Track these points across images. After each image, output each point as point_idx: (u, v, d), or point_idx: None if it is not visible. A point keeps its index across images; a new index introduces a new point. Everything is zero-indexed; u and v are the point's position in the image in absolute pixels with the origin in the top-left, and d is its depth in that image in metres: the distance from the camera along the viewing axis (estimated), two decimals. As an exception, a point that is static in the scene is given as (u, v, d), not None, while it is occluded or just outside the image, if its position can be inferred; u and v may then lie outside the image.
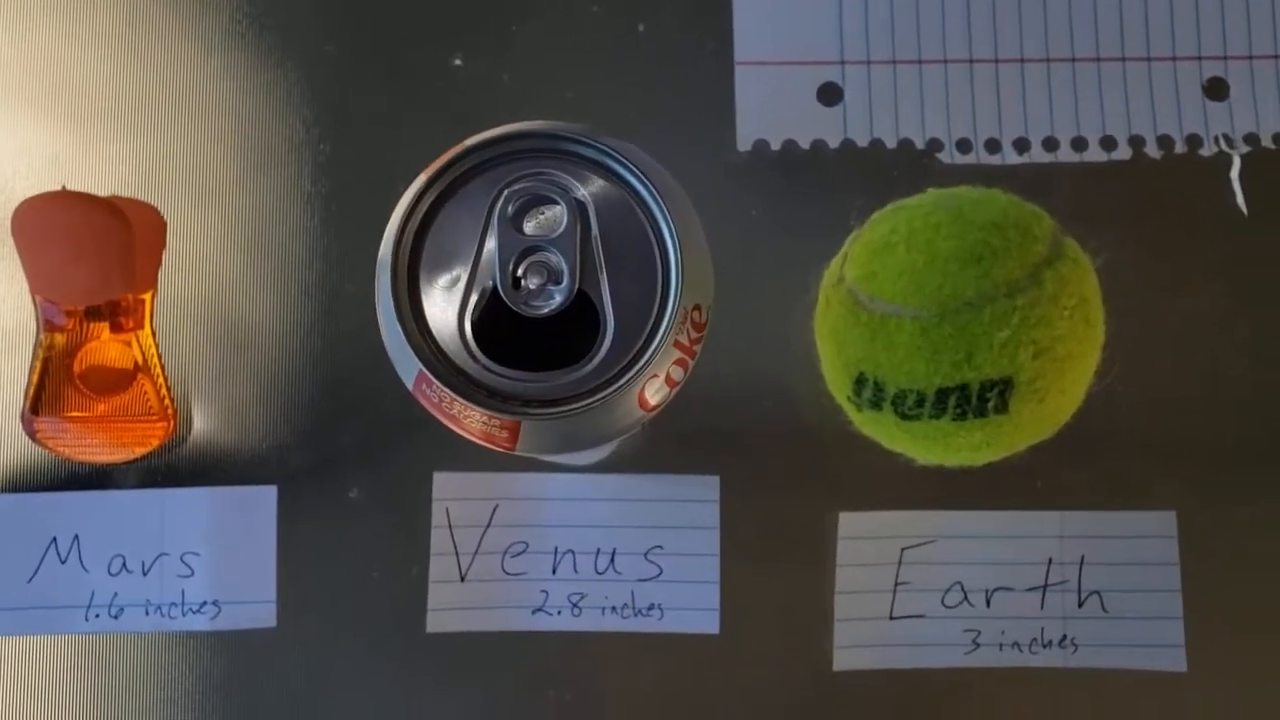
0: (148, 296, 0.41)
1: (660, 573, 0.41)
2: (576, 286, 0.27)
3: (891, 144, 0.42)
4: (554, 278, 0.27)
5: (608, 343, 0.27)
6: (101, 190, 0.41)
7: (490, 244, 0.27)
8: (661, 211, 0.27)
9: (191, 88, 0.43)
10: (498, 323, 0.27)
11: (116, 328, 0.40)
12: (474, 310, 0.27)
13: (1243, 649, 0.40)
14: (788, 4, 0.43)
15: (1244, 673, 0.40)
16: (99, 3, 0.43)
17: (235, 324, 0.42)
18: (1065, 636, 0.40)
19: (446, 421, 0.28)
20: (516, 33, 0.43)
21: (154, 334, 0.41)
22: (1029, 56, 0.42)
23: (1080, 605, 0.40)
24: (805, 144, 0.42)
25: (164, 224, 0.42)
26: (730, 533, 0.41)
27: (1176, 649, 0.40)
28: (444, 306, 0.27)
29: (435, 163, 0.27)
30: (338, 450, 0.41)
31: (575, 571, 0.41)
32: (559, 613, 0.40)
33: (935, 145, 0.42)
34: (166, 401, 0.41)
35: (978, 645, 0.40)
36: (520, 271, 0.27)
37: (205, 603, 0.41)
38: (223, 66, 0.43)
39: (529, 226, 0.27)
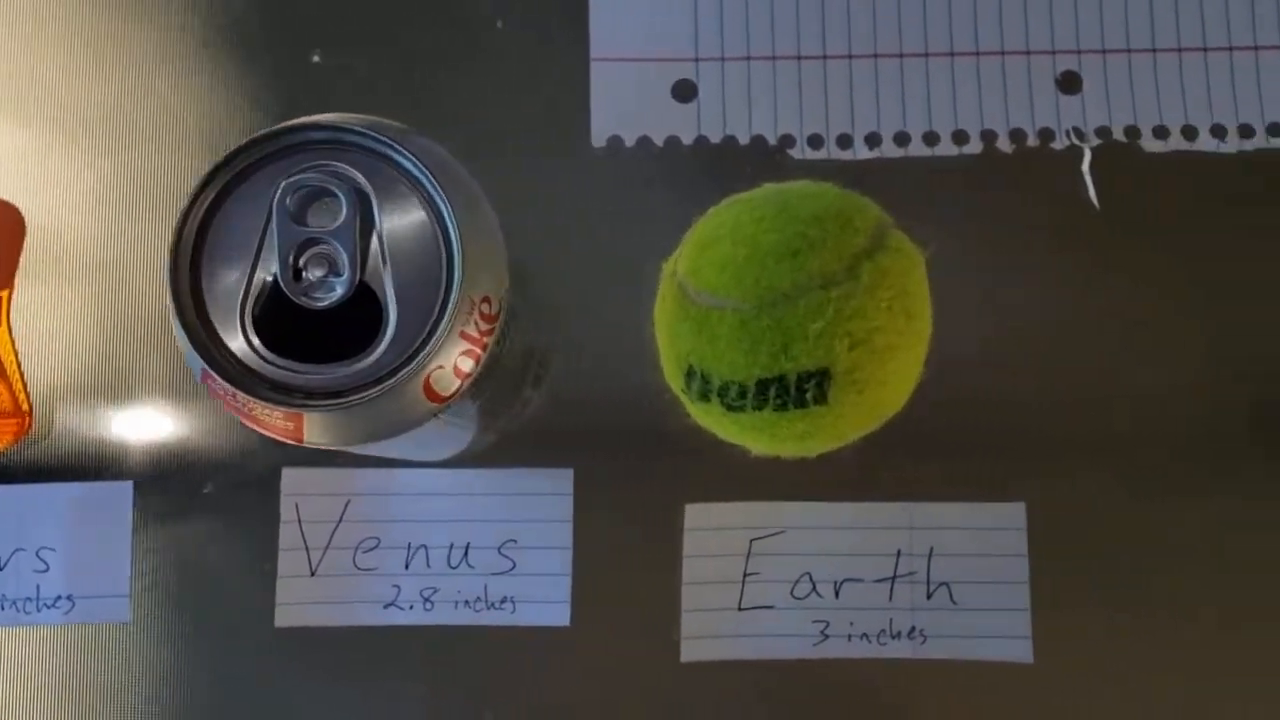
0: (4, 294, 0.41)
1: (513, 566, 0.41)
2: (358, 278, 0.27)
3: (745, 140, 0.42)
4: (335, 269, 0.27)
5: (389, 334, 0.27)
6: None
7: (270, 237, 0.27)
8: (444, 204, 0.28)
9: (52, 85, 0.43)
10: (283, 316, 0.28)
11: (-32, 324, 0.40)
12: (255, 303, 0.27)
13: (1088, 640, 0.40)
14: (643, 2, 0.43)
15: (1089, 664, 0.40)
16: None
17: (93, 323, 0.42)
18: (914, 628, 0.40)
19: (236, 414, 0.28)
20: (374, 29, 0.43)
21: (11, 332, 0.41)
22: (883, 52, 0.43)
23: (929, 597, 0.41)
24: (660, 140, 0.42)
25: (22, 223, 0.42)
26: (584, 526, 0.41)
27: (1024, 640, 0.40)
28: (227, 302, 0.27)
29: (216, 160, 0.27)
30: (193, 447, 0.41)
31: (428, 566, 0.41)
32: (411, 607, 0.41)
33: (787, 141, 0.42)
34: (22, 399, 0.41)
35: (826, 636, 0.40)
36: (302, 263, 0.27)
37: (60, 597, 0.41)
38: (88, 65, 0.43)
39: (313, 219, 0.28)
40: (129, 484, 0.41)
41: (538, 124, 0.43)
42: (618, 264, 0.41)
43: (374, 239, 0.27)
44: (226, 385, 0.27)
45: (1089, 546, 0.41)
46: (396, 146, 0.28)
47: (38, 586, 0.41)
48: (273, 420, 0.27)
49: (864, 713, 0.40)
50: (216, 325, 0.27)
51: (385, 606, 0.40)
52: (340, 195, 0.27)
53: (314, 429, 0.27)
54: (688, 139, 0.42)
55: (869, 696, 0.40)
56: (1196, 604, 0.40)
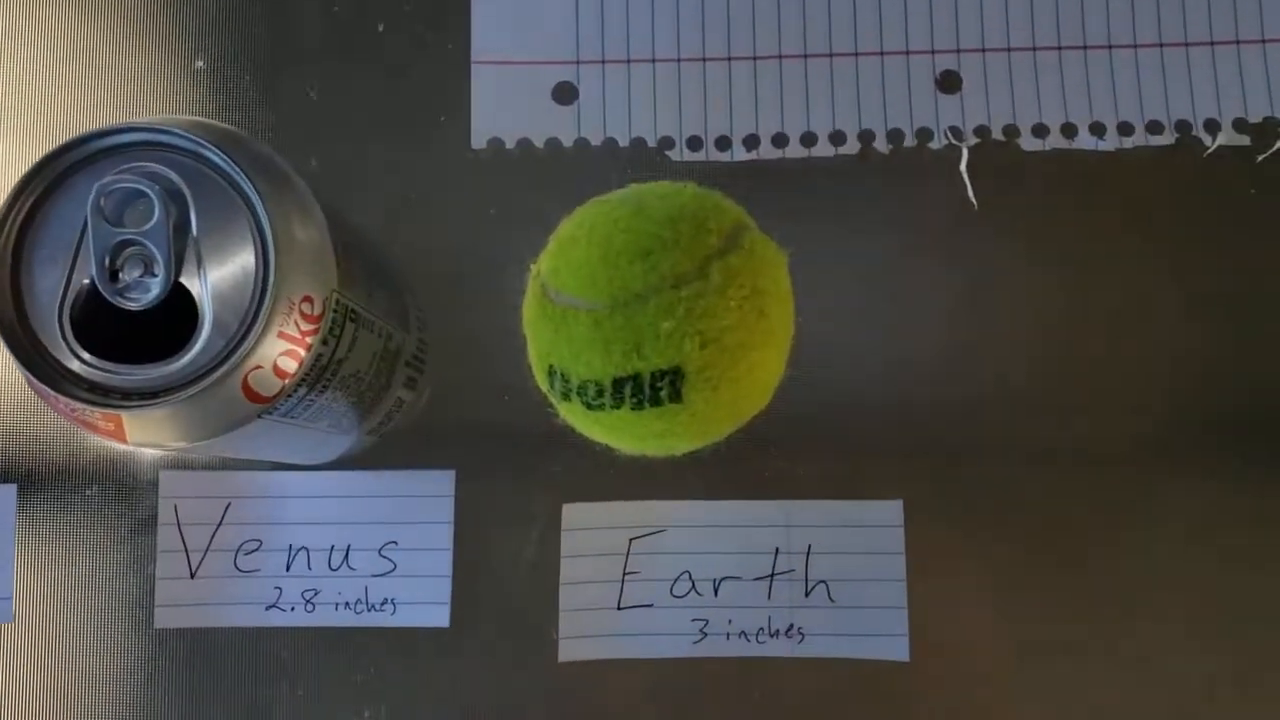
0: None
1: (394, 568, 0.41)
2: (173, 278, 0.27)
3: (625, 142, 0.42)
4: (151, 270, 0.28)
5: (205, 334, 0.28)
6: None
7: (87, 239, 0.27)
8: (260, 203, 0.28)
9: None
10: (101, 317, 0.28)
11: None
12: (74, 305, 0.28)
13: (964, 638, 0.40)
14: (524, 4, 0.43)
15: (965, 661, 0.40)
16: None
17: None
18: (792, 626, 0.41)
19: (64, 416, 0.28)
20: (258, 35, 0.43)
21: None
22: (761, 54, 0.43)
23: (807, 595, 0.41)
24: (540, 142, 0.42)
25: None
26: (464, 527, 0.41)
27: (900, 638, 0.40)
28: (46, 302, 0.28)
29: (33, 163, 0.28)
30: (76, 450, 0.42)
31: (309, 568, 0.41)
32: (292, 609, 0.41)
33: (667, 143, 0.42)
34: (-92, 403, 0.41)
35: (705, 634, 0.41)
36: (119, 265, 0.28)
37: (-57, 601, 0.41)
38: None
39: (129, 221, 0.28)
40: (12, 486, 0.41)
41: (420, 127, 0.43)
42: (496, 265, 0.41)
43: (189, 240, 0.28)
44: (43, 386, 0.27)
45: (966, 545, 0.41)
46: (211, 147, 0.28)
47: (-77, 590, 0.41)
48: (94, 421, 0.28)
49: (743, 711, 0.41)
50: (35, 329, 0.28)
51: (267, 608, 0.41)
52: (152, 195, 0.27)
53: (134, 429, 0.28)
54: (568, 141, 0.42)
55: (748, 694, 0.41)
56: (1072, 600, 0.40)
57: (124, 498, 0.41)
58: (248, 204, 0.28)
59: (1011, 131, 0.42)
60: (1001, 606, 0.40)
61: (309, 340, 0.29)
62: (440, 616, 0.41)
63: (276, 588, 0.41)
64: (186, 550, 0.41)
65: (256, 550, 0.41)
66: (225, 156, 0.28)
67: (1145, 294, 0.42)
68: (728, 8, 0.43)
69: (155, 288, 0.27)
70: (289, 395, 0.29)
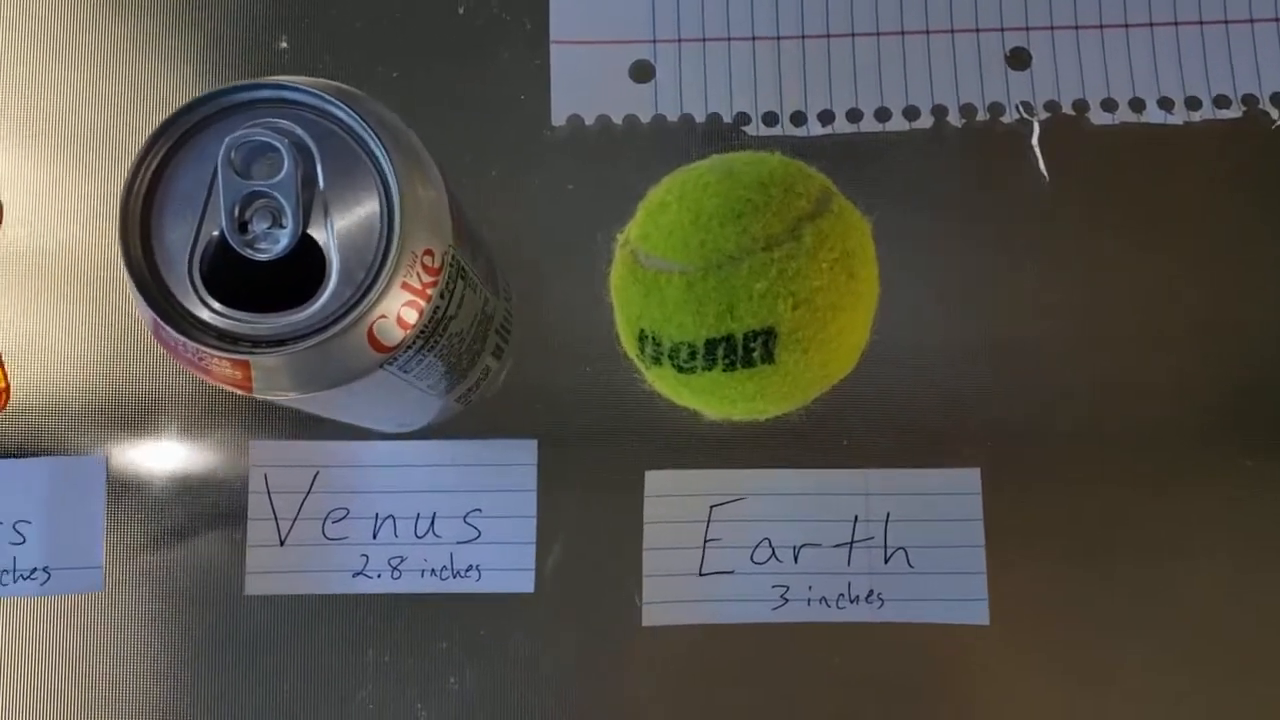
0: (-18, 275, 0.42)
1: (479, 535, 0.42)
2: (301, 229, 0.28)
3: (701, 118, 0.43)
4: (279, 222, 0.28)
5: (332, 283, 0.28)
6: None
7: (216, 191, 0.28)
8: (385, 157, 0.29)
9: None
10: (229, 267, 0.29)
11: (-54, 304, 0.42)
12: (204, 256, 0.28)
13: (1043, 602, 0.41)
14: (602, -15, 0.44)
15: (1044, 625, 0.41)
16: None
17: (68, 300, 0.43)
18: (871, 592, 0.41)
19: (186, 366, 0.29)
20: (339, 15, 0.44)
21: (-12, 311, 0.42)
22: (834, 32, 0.44)
23: (886, 561, 0.41)
24: (618, 119, 0.43)
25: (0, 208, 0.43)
26: (547, 494, 0.42)
27: (980, 603, 0.41)
28: (177, 253, 0.29)
29: (165, 118, 0.29)
30: (165, 420, 0.42)
31: (395, 536, 0.42)
32: (379, 576, 0.41)
33: (742, 119, 0.43)
34: (1, 376, 0.42)
35: (786, 600, 0.41)
36: (248, 217, 0.28)
37: (36, 569, 0.42)
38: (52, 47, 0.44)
39: (257, 174, 0.29)
40: (103, 457, 0.42)
41: (501, 105, 0.44)
42: (577, 237, 0.42)
43: (316, 192, 0.28)
44: (176, 336, 0.28)
45: (1043, 510, 0.41)
46: (338, 103, 0.29)
47: (14, 559, 0.42)
48: (221, 369, 0.28)
49: (823, 675, 0.41)
50: (166, 279, 0.28)
51: (354, 575, 0.41)
52: (282, 149, 0.28)
53: (261, 376, 0.28)
54: (645, 117, 0.43)
55: (828, 659, 0.41)
56: (1151, 566, 0.41)
57: (211, 468, 0.42)
58: (372, 159, 0.29)
59: (1081, 106, 0.43)
60: (1079, 571, 0.41)
61: (429, 292, 0.29)
62: (525, 582, 0.41)
63: (363, 555, 0.42)
64: (276, 518, 0.41)
65: (344, 518, 0.42)
66: (352, 112, 0.29)
67: (1214, 266, 0.42)
68: (801, -13, 0.44)
69: (284, 239, 0.28)
70: (408, 347, 0.30)
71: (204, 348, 0.28)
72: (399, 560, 0.42)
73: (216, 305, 0.28)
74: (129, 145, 0.44)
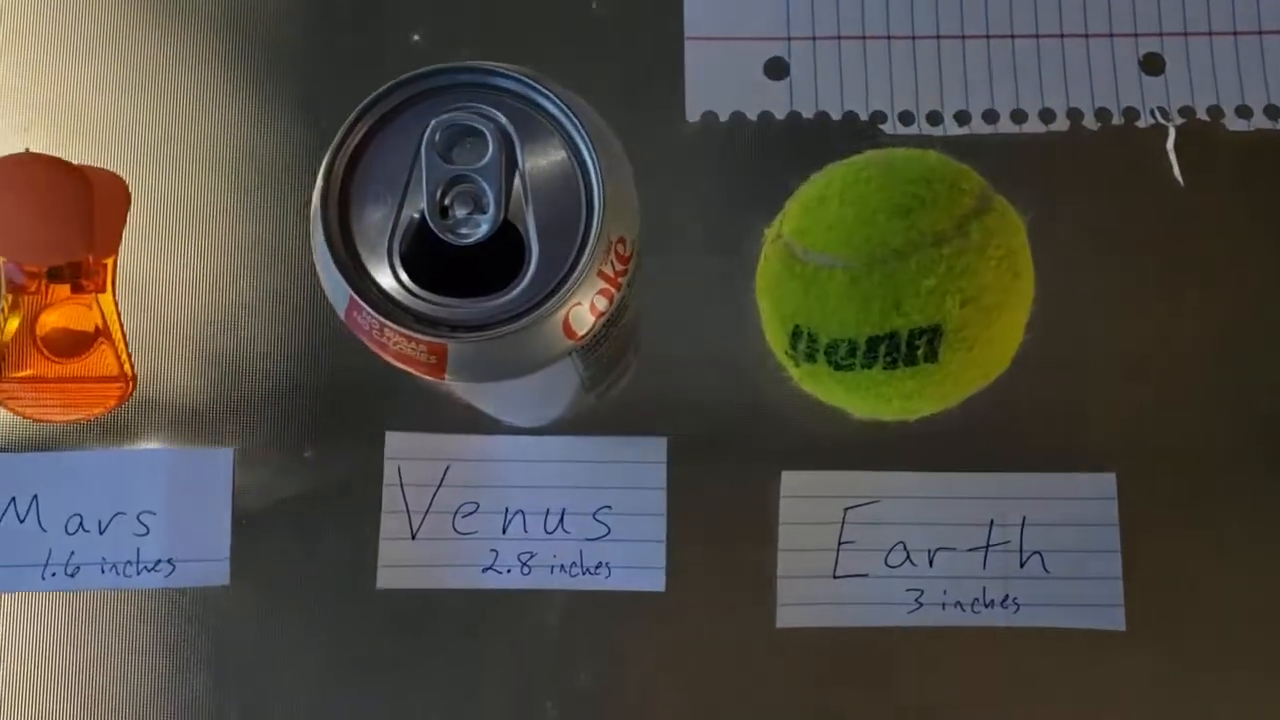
0: (110, 261, 0.42)
1: (608, 532, 0.41)
2: (503, 216, 0.28)
3: (836, 116, 0.43)
4: (480, 207, 0.28)
5: (532, 270, 0.28)
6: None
7: (418, 174, 0.28)
8: (586, 145, 0.28)
9: (171, 81, 0.44)
10: (427, 251, 0.28)
11: (78, 289, 0.41)
12: (403, 238, 0.28)
13: (1180, 608, 0.41)
14: (736, -18, 0.44)
15: (1181, 631, 0.41)
16: (94, 15, 0.45)
17: (196, 291, 0.43)
18: (1007, 596, 0.41)
19: (378, 350, 0.29)
20: (474, 11, 0.44)
21: (115, 297, 0.42)
22: (970, 33, 0.44)
23: (1022, 565, 0.41)
24: (753, 116, 0.43)
25: (127, 192, 0.43)
26: (677, 493, 0.41)
27: (1116, 608, 0.40)
28: (375, 235, 0.28)
29: (367, 98, 0.28)
30: (293, 412, 0.42)
31: (525, 531, 0.41)
32: (508, 571, 0.41)
33: (879, 117, 0.43)
34: (126, 364, 0.42)
35: (920, 604, 0.41)
36: (448, 201, 0.28)
37: (160, 561, 0.41)
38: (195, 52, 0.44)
39: (458, 158, 0.28)
40: (229, 449, 0.42)
41: (634, 101, 0.44)
42: (711, 235, 0.42)
43: (517, 178, 0.28)
44: (375, 317, 0.28)
45: (1181, 514, 0.41)
46: (541, 89, 0.28)
47: (138, 550, 0.41)
48: (416, 353, 0.28)
49: (958, 680, 0.41)
50: (364, 259, 0.28)
51: (484, 570, 0.41)
52: (487, 134, 0.28)
53: (456, 361, 0.28)
54: (781, 115, 0.43)
55: (962, 663, 0.41)
56: (1289, 573, 0.41)
57: (339, 461, 0.42)
58: (572, 146, 0.29)
59: (1216, 112, 0.43)
60: (1217, 579, 0.41)
61: (620, 280, 0.29)
62: (656, 581, 0.41)
63: (493, 550, 0.41)
64: (408, 511, 0.41)
65: (474, 513, 0.41)
66: (555, 99, 0.28)
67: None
68: (935, -12, 0.44)
69: (485, 224, 0.28)
70: (593, 335, 0.30)
71: (402, 329, 0.28)
72: (529, 555, 0.41)
73: (416, 288, 0.28)
74: (273, 137, 0.43)
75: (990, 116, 0.43)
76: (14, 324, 0.41)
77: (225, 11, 0.44)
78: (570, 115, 0.28)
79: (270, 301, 0.42)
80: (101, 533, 0.42)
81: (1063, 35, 0.44)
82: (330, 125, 0.44)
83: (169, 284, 0.43)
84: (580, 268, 0.28)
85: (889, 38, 0.43)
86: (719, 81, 0.43)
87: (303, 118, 0.44)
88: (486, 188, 0.28)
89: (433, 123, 0.28)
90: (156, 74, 0.44)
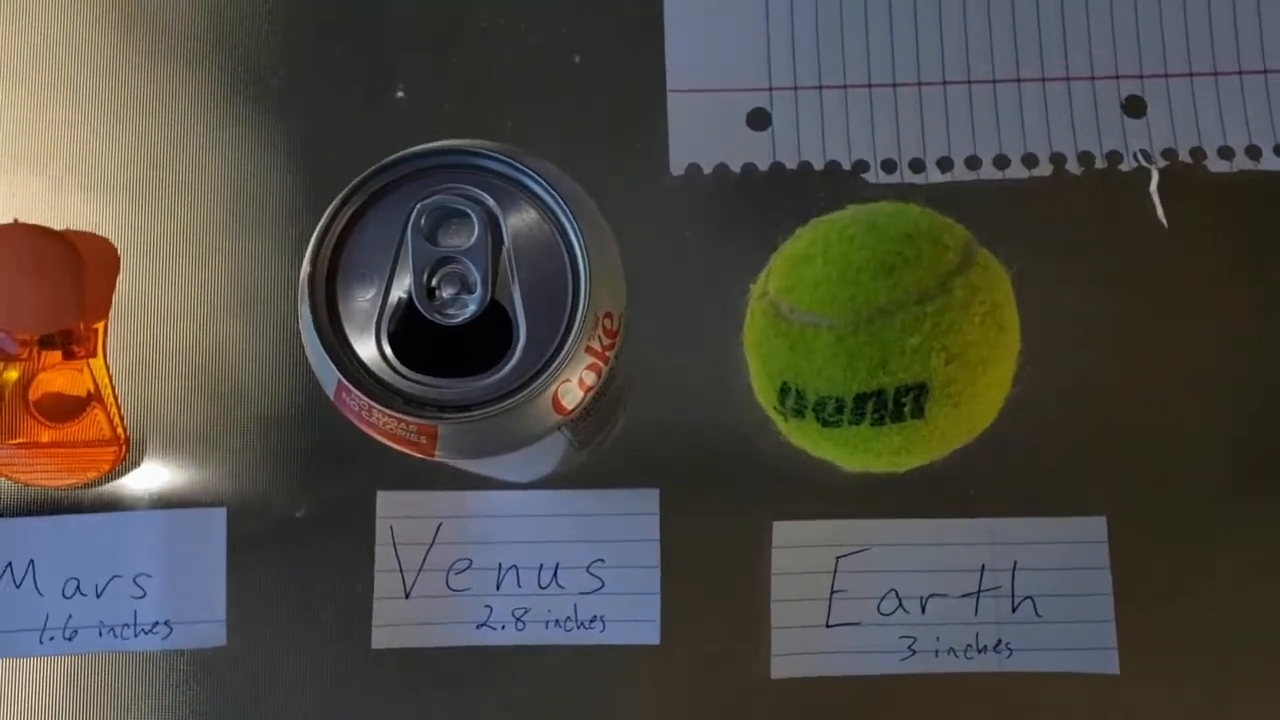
0: (100, 326, 0.42)
1: (602, 585, 0.42)
2: (490, 295, 0.28)
3: (819, 165, 0.43)
4: (467, 287, 0.28)
5: (520, 348, 0.28)
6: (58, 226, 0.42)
7: (405, 256, 0.28)
8: (570, 223, 0.29)
9: (153, 137, 0.44)
10: (415, 332, 0.29)
11: (69, 355, 0.41)
12: (390, 320, 0.28)
13: (1173, 650, 0.41)
14: (717, 35, 0.44)
15: (1175, 673, 0.41)
16: (85, 62, 0.45)
17: (187, 353, 0.43)
18: (1000, 641, 0.41)
19: (367, 430, 0.29)
20: (457, 64, 0.44)
21: (106, 362, 0.42)
22: (951, 79, 0.44)
23: (1014, 610, 0.41)
24: (736, 167, 0.43)
25: (116, 257, 0.43)
26: (670, 545, 0.41)
27: (1109, 651, 0.41)
28: (362, 318, 0.28)
29: (352, 181, 0.28)
30: (285, 472, 0.42)
31: (519, 586, 0.41)
32: (503, 627, 0.41)
33: (861, 166, 0.43)
34: (119, 427, 0.42)
35: (914, 651, 0.41)
36: (435, 282, 0.28)
37: (157, 623, 0.41)
38: (182, 109, 0.44)
39: (444, 239, 0.29)
40: (222, 510, 0.42)
41: (618, 154, 0.44)
42: (698, 287, 0.42)
43: (503, 257, 0.28)
44: (363, 398, 0.28)
45: (1172, 557, 0.41)
46: (523, 169, 0.29)
47: (135, 612, 0.41)
48: (405, 434, 0.28)
49: (953, 726, 0.41)
50: (352, 341, 0.28)
51: (478, 627, 0.41)
52: (472, 215, 0.28)
53: (446, 441, 0.28)
54: (764, 165, 0.43)
55: (957, 710, 0.41)
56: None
57: (333, 520, 0.42)
58: (556, 224, 0.29)
59: (1198, 154, 0.43)
60: (1209, 622, 0.41)
61: (608, 354, 0.29)
62: (650, 634, 0.41)
63: (487, 606, 0.41)
64: (401, 570, 0.41)
65: (467, 569, 0.41)
66: (538, 178, 0.29)
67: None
68: (916, 35, 0.44)
69: (472, 304, 0.28)
70: (583, 408, 0.30)
71: (391, 412, 0.28)
72: (523, 611, 0.41)
73: (404, 369, 0.28)
74: (261, 192, 0.44)
75: (973, 163, 0.43)
76: (7, 391, 0.41)
77: (213, 61, 0.44)
78: (554, 194, 0.29)
79: (262, 363, 0.43)
80: (99, 596, 0.42)
81: (1044, 79, 0.44)
82: (318, 180, 0.45)
83: (160, 347, 0.43)
84: (569, 345, 0.28)
85: (870, 86, 0.44)
86: (702, 133, 0.43)
87: (293, 172, 0.44)
88: (473, 268, 0.28)
89: (417, 206, 0.28)
90: (146, 125, 0.44)
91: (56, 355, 0.41)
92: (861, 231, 0.35)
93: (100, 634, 0.41)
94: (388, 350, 0.28)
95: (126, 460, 0.42)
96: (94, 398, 0.42)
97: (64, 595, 0.42)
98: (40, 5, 0.45)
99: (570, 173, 0.44)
